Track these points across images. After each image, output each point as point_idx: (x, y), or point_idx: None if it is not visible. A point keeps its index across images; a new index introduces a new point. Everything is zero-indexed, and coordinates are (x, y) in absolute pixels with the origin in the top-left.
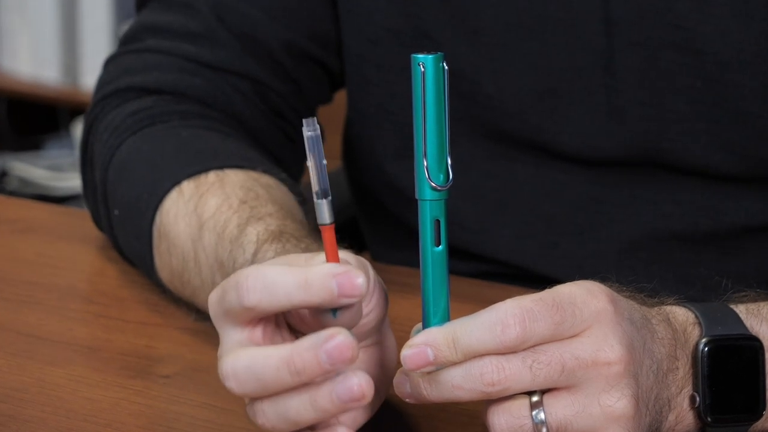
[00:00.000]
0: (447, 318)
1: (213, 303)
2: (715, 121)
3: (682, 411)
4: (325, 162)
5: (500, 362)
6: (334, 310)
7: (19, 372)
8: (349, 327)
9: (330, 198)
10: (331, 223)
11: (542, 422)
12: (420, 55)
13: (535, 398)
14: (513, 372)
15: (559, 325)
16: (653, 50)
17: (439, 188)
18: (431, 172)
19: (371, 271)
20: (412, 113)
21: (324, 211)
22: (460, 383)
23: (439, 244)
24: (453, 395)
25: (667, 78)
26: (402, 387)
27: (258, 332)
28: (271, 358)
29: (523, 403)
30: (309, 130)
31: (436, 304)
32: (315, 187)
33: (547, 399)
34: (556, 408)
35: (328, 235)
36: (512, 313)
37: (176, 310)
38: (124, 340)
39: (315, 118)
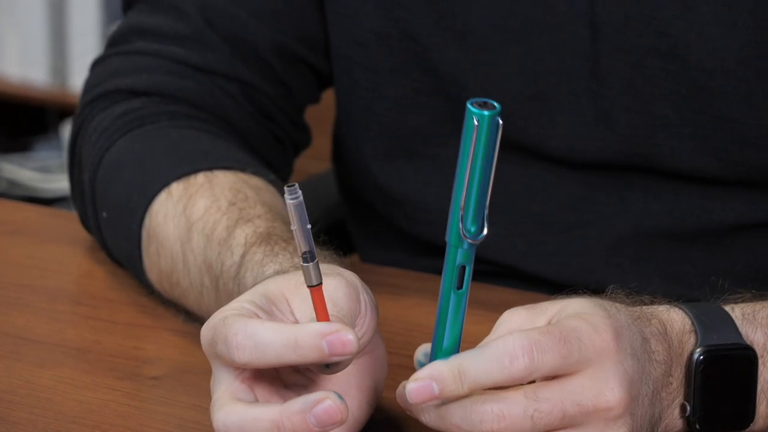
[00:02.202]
0: (455, 353)
1: (205, 343)
2: (700, 126)
3: (672, 420)
4: (309, 226)
5: (501, 410)
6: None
7: (7, 374)
8: (342, 369)
9: (317, 261)
10: (318, 285)
11: None
12: (475, 109)
13: None
14: (513, 422)
15: (566, 359)
16: (638, 56)
17: (470, 240)
18: (466, 223)
19: (363, 297)
20: (458, 160)
21: (311, 274)
22: (458, 423)
23: (461, 287)
24: (450, 431)
25: (652, 84)
26: (403, 399)
27: (249, 372)
28: (262, 421)
29: None
30: (291, 197)
31: (448, 339)
32: (301, 250)
33: None
34: None
35: (317, 295)
36: (520, 345)
37: (165, 311)
38: (112, 341)
39: (296, 185)
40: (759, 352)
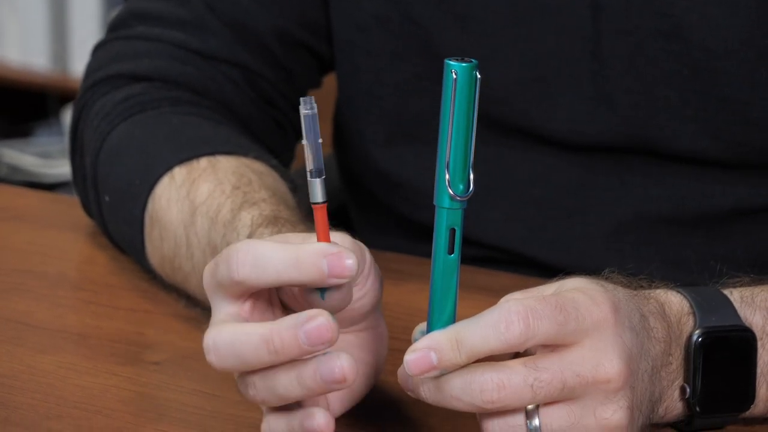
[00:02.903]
0: (452, 324)
1: (206, 276)
2: (702, 108)
3: (672, 402)
4: (320, 141)
5: (501, 379)
6: (323, 290)
7: (9, 359)
8: (337, 309)
9: (324, 177)
10: (323, 202)
11: (537, 430)
12: (453, 62)
13: (530, 407)
14: (513, 391)
15: (563, 326)
16: (640, 37)
17: (458, 198)
18: (452, 181)
19: (368, 256)
20: (440, 119)
21: (317, 190)
22: (458, 395)
23: (452, 252)
24: (450, 404)
25: (654, 65)
26: (404, 378)
27: (247, 306)
28: (251, 335)
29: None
30: (306, 108)
31: (443, 310)
32: (310, 165)
33: (543, 409)
34: (552, 418)
35: (320, 214)
36: (515, 311)
37: (166, 296)
38: (114, 327)
39: (312, 97)
40: (758, 334)
